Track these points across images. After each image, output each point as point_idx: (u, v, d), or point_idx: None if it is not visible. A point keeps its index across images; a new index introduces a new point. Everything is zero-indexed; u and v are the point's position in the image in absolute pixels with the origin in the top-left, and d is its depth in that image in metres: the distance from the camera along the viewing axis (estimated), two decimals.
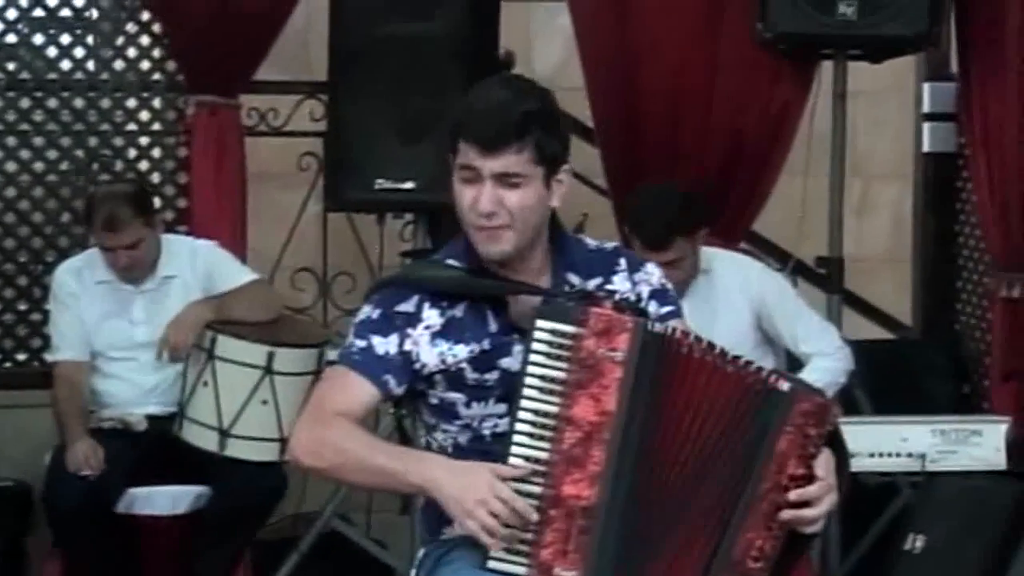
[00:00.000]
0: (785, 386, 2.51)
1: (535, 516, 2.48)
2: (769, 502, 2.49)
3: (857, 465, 3.86)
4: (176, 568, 4.25)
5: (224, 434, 4.18)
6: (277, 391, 4.19)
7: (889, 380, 4.86)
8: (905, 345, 5.46)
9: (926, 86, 5.40)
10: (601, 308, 2.54)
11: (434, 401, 2.70)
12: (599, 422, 2.50)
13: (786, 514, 2.50)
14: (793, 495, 2.49)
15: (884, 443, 3.86)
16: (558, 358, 2.50)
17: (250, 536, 4.33)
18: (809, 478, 2.51)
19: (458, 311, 2.67)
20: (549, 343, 2.51)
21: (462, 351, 2.64)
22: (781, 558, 2.54)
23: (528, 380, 2.50)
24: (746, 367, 2.54)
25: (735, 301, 4.25)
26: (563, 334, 2.51)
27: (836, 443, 2.59)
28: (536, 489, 2.49)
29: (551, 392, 2.50)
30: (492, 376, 2.65)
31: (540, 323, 2.52)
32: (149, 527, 4.23)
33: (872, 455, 3.86)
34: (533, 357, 2.51)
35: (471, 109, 2.62)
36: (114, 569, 4.19)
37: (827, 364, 4.16)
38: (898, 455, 3.87)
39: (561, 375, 2.50)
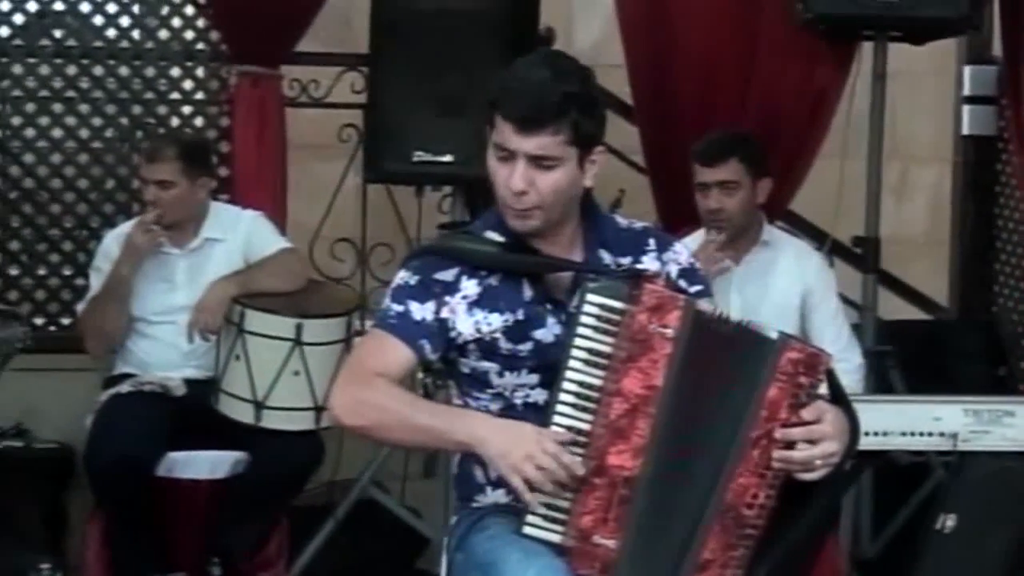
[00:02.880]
0: (774, 335, 2.57)
1: (582, 470, 2.51)
2: (761, 449, 2.55)
3: (889, 443, 3.89)
4: (212, 532, 4.30)
5: (259, 406, 4.21)
6: (308, 361, 4.21)
7: (925, 361, 4.86)
8: (941, 326, 5.46)
9: (967, 69, 5.40)
10: (654, 285, 2.58)
11: (466, 370, 2.73)
12: (646, 395, 2.54)
13: (775, 455, 2.54)
14: (777, 434, 2.54)
15: (916, 422, 3.86)
16: (606, 332, 2.54)
17: (286, 503, 4.37)
18: (802, 425, 2.55)
19: (494, 280, 2.70)
20: (598, 317, 2.54)
21: (496, 320, 2.67)
22: (796, 513, 2.59)
23: (574, 353, 2.54)
24: (748, 326, 2.59)
25: (788, 284, 4.28)
26: (613, 309, 2.55)
27: (840, 400, 2.64)
28: (576, 459, 2.52)
29: (596, 365, 2.54)
30: (525, 347, 2.68)
31: (591, 297, 2.55)
32: (187, 491, 4.26)
33: (904, 434, 3.86)
34: (581, 330, 2.54)
35: (510, 86, 2.63)
36: (153, 531, 4.23)
37: (844, 380, 4.15)
38: (930, 434, 3.86)
39: (608, 349, 2.54)
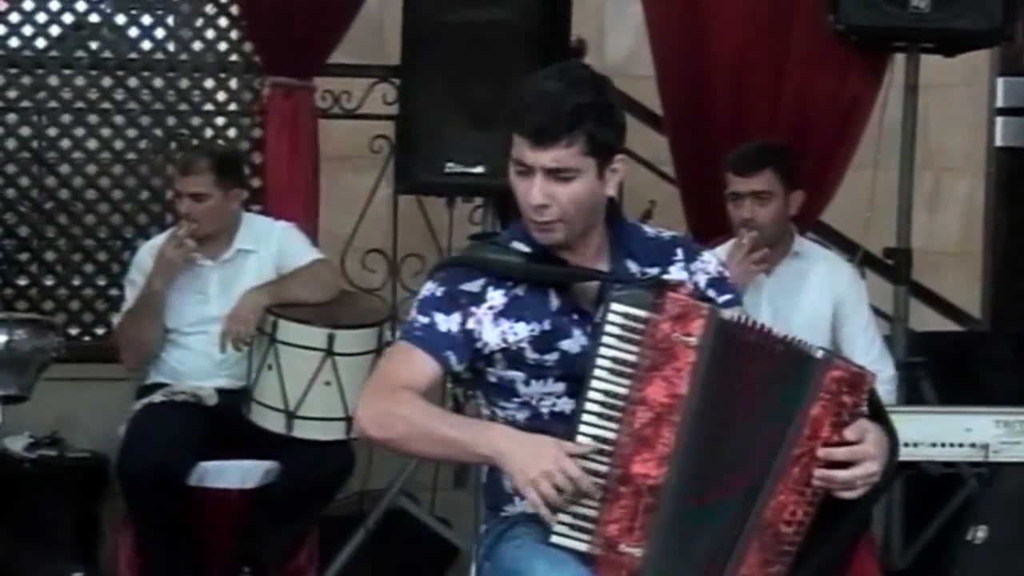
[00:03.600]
0: (819, 353, 2.57)
1: (598, 494, 2.53)
2: (802, 467, 2.54)
3: (920, 454, 3.88)
4: (242, 541, 4.32)
5: (291, 416, 4.23)
6: (339, 371, 4.23)
7: (956, 372, 4.84)
8: (973, 338, 5.44)
9: (1000, 80, 5.39)
10: (677, 294, 2.59)
11: (492, 379, 2.74)
12: (670, 404, 2.55)
13: (817, 474, 2.54)
14: (820, 452, 2.53)
15: (947, 433, 3.85)
16: (630, 341, 2.55)
17: (316, 513, 4.38)
18: (845, 445, 2.55)
19: (520, 290, 2.71)
20: (623, 326, 2.55)
21: (523, 330, 2.68)
22: (831, 528, 2.58)
23: (599, 362, 2.54)
24: (792, 342, 2.59)
25: (819, 295, 4.27)
26: (636, 318, 2.55)
27: (879, 416, 2.63)
28: (601, 468, 2.54)
29: (621, 374, 2.54)
30: (551, 357, 2.68)
31: (615, 307, 2.55)
32: (218, 500, 4.28)
33: (935, 445, 3.86)
34: (605, 339, 2.55)
35: (523, 101, 2.62)
36: (185, 540, 4.26)
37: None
38: (961, 445, 3.86)
39: (632, 358, 2.54)
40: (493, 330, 2.69)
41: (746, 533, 2.55)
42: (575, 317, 2.69)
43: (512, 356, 2.69)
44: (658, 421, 2.54)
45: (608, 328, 2.55)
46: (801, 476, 2.54)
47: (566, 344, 2.68)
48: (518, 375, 2.70)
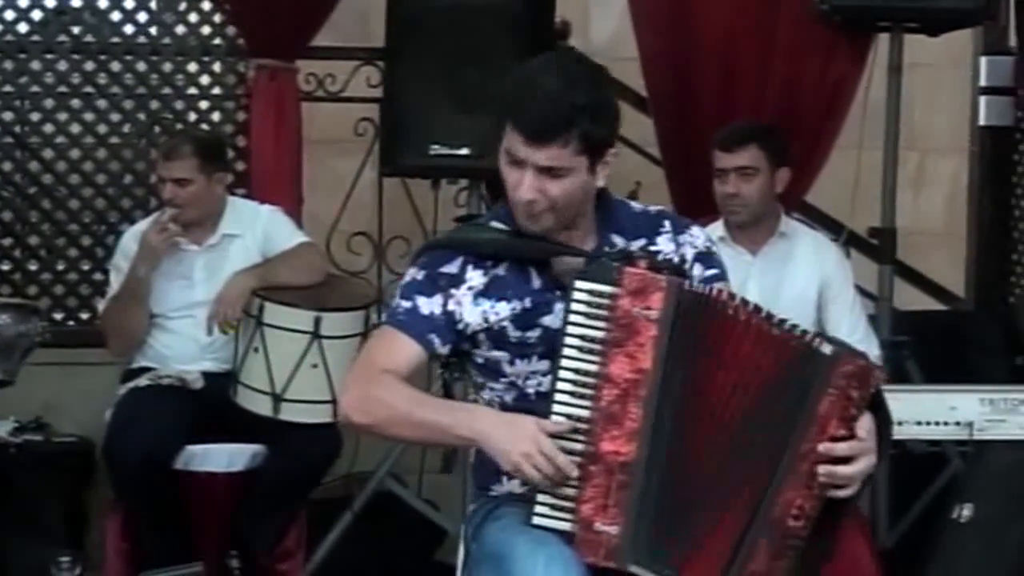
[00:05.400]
0: (828, 348, 2.54)
1: (575, 472, 2.53)
2: (810, 463, 2.53)
3: (905, 433, 3.90)
4: (229, 525, 4.32)
5: (277, 399, 4.23)
6: (326, 354, 4.23)
7: (941, 352, 4.85)
8: (958, 317, 5.46)
9: (983, 59, 5.39)
10: (636, 267, 2.58)
11: (480, 360, 2.75)
12: (636, 380, 2.55)
13: (822, 470, 2.53)
14: (822, 447, 2.52)
15: (932, 411, 3.87)
16: (596, 317, 2.55)
17: (304, 496, 4.38)
18: (851, 440, 2.54)
19: (501, 270, 2.72)
20: (588, 303, 2.56)
21: (504, 309, 2.69)
22: (823, 519, 2.57)
23: (568, 340, 2.55)
24: (792, 330, 2.57)
25: (806, 275, 4.28)
26: (601, 294, 2.56)
27: (878, 407, 2.61)
28: (578, 446, 2.54)
29: (590, 351, 2.55)
30: (534, 334, 2.69)
31: (579, 283, 2.56)
32: (205, 484, 4.28)
33: (920, 423, 3.87)
34: (572, 317, 2.55)
35: (520, 95, 2.61)
36: (171, 525, 4.25)
37: None
38: (946, 423, 3.87)
39: (600, 334, 2.55)
40: (474, 310, 2.70)
41: (755, 530, 2.53)
42: (557, 294, 2.69)
43: (495, 336, 2.70)
44: (625, 397, 2.54)
45: (574, 306, 2.56)
46: (809, 471, 2.53)
47: (547, 320, 2.69)
48: (502, 355, 2.71)
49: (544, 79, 2.61)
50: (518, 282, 2.70)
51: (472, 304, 2.70)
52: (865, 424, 2.56)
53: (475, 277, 2.71)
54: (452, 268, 2.72)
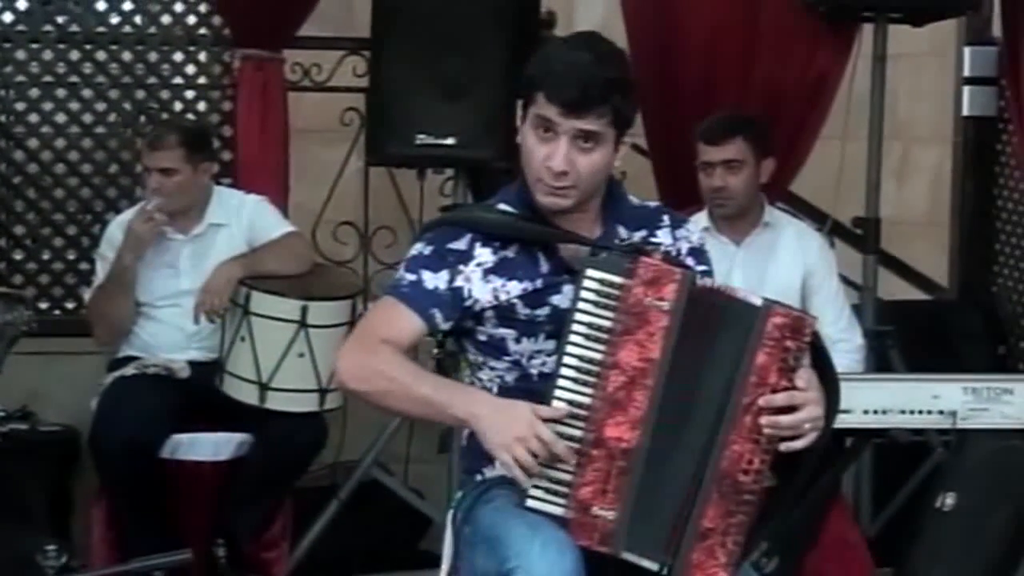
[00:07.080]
0: (757, 300, 2.60)
1: (572, 459, 2.55)
2: (753, 415, 2.58)
3: (888, 422, 3.91)
4: (216, 513, 4.32)
5: (264, 387, 4.24)
6: (313, 343, 4.24)
7: (925, 341, 4.88)
8: (942, 306, 5.47)
9: (967, 50, 5.40)
10: (651, 258, 2.61)
11: (483, 338, 2.75)
12: (643, 368, 2.57)
13: (764, 420, 2.57)
14: (762, 400, 2.57)
15: (915, 400, 3.88)
16: (605, 307, 2.57)
17: (290, 485, 4.39)
18: (792, 390, 2.59)
19: (510, 252, 2.73)
20: (597, 292, 2.58)
21: (515, 288, 2.71)
22: (795, 483, 2.64)
23: (574, 327, 2.57)
24: (736, 294, 2.62)
25: (789, 264, 4.30)
26: (611, 284, 2.58)
27: (820, 360, 2.67)
28: (576, 432, 2.56)
29: (596, 340, 2.57)
30: (543, 312, 2.71)
31: (590, 272, 2.58)
32: (191, 472, 4.29)
33: (903, 412, 3.89)
34: (581, 305, 2.57)
35: (554, 68, 2.64)
36: (157, 513, 4.26)
37: (844, 361, 4.16)
38: (929, 412, 3.89)
39: (607, 324, 2.57)
40: (484, 287, 2.71)
41: (704, 485, 2.58)
42: (565, 276, 2.71)
43: (503, 312, 2.71)
44: (631, 385, 2.56)
45: (583, 294, 2.57)
46: (753, 424, 2.58)
47: (556, 299, 2.71)
48: (509, 332, 2.73)
49: (576, 55, 2.65)
50: (527, 264, 2.72)
51: (482, 281, 2.71)
52: (804, 375, 2.60)
53: (484, 254, 2.72)
54: (460, 245, 2.73)
